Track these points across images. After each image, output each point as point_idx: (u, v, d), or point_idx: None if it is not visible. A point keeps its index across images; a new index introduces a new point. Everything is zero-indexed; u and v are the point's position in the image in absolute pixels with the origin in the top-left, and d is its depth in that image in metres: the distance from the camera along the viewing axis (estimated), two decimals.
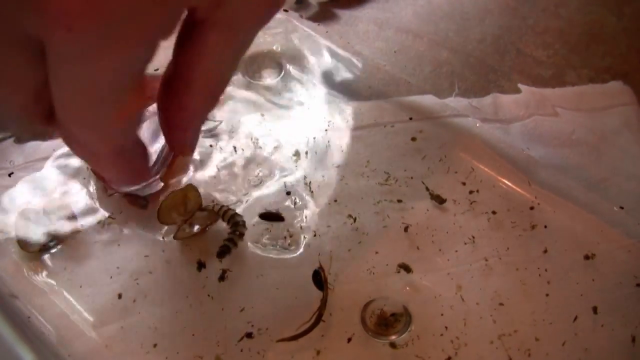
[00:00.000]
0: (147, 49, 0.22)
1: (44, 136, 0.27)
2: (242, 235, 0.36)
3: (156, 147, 0.41)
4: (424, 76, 0.46)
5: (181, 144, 0.28)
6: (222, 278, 0.36)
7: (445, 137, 0.42)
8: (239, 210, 0.38)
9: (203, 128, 0.43)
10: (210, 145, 0.42)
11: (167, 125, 0.27)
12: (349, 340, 0.34)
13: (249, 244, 0.37)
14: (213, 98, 0.27)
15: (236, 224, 0.36)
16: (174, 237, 0.37)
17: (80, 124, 0.24)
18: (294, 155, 0.41)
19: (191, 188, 0.38)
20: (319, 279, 0.34)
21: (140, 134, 0.42)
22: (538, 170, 0.39)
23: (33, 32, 0.21)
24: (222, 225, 0.38)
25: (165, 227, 0.38)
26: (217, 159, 0.41)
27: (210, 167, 0.41)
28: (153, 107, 0.45)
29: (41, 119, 0.25)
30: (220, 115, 0.44)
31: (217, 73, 0.26)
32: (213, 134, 0.43)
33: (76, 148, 0.26)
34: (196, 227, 0.37)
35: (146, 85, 0.43)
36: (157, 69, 0.45)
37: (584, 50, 0.47)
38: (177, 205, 0.38)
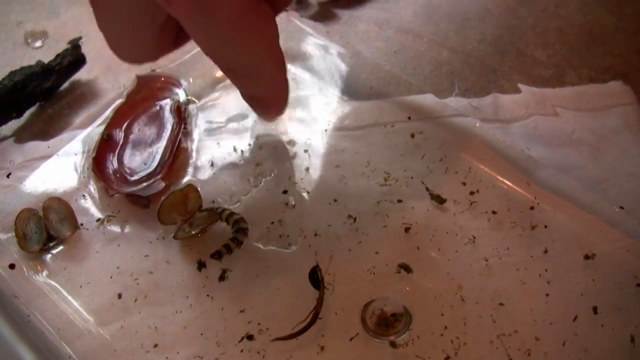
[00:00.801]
0: None
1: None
2: (240, 243, 0.36)
3: (157, 147, 0.41)
4: (424, 76, 0.46)
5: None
6: (222, 278, 0.36)
7: (445, 137, 0.42)
8: (239, 211, 0.38)
9: (203, 127, 0.43)
10: (211, 146, 0.42)
11: None
12: (350, 340, 0.34)
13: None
14: None
15: (239, 230, 0.36)
16: (174, 237, 0.37)
17: (224, 53, 0.27)
18: (294, 155, 0.41)
19: (191, 188, 0.38)
20: (315, 277, 0.34)
21: (141, 135, 0.42)
22: (538, 170, 0.39)
23: None
24: (222, 226, 0.38)
25: (165, 227, 0.38)
26: (217, 159, 0.41)
27: (210, 167, 0.41)
28: (154, 108, 0.45)
29: (168, 44, 0.30)
30: (221, 115, 0.44)
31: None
32: (214, 133, 0.43)
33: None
34: (196, 227, 0.37)
35: (146, 85, 0.45)
36: (154, 70, 0.46)
37: (584, 50, 0.47)
38: (177, 205, 0.38)
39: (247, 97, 0.33)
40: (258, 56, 0.28)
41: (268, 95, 0.32)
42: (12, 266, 0.36)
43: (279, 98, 0.33)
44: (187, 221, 0.37)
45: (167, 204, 0.37)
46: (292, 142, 0.42)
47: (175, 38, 0.30)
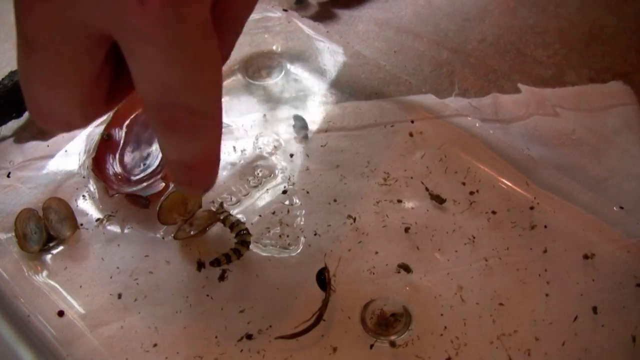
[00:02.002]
0: None
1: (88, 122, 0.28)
2: (241, 255, 0.36)
3: (157, 147, 0.41)
4: (424, 76, 0.46)
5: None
6: (222, 278, 0.36)
7: (445, 137, 0.42)
8: (239, 211, 0.38)
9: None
10: None
11: None
12: (349, 340, 0.34)
13: None
14: None
15: (242, 242, 0.36)
16: (174, 237, 0.37)
17: (180, 86, 0.24)
18: (294, 155, 0.41)
19: None
20: (323, 278, 0.34)
21: (141, 135, 0.42)
22: (538, 170, 0.39)
23: (96, 23, 0.22)
24: (223, 227, 0.38)
25: (165, 227, 0.38)
26: None
27: None
28: None
29: (100, 102, 0.26)
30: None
31: None
32: None
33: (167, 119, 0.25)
34: (196, 228, 0.37)
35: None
36: None
37: (584, 50, 0.47)
38: (177, 206, 0.38)
39: (177, 163, 0.28)
40: (208, 97, 0.25)
41: (201, 160, 0.27)
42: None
43: (210, 167, 0.29)
44: (187, 221, 0.37)
45: (167, 204, 0.37)
46: (291, 142, 0.42)
47: (107, 97, 0.27)
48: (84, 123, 0.27)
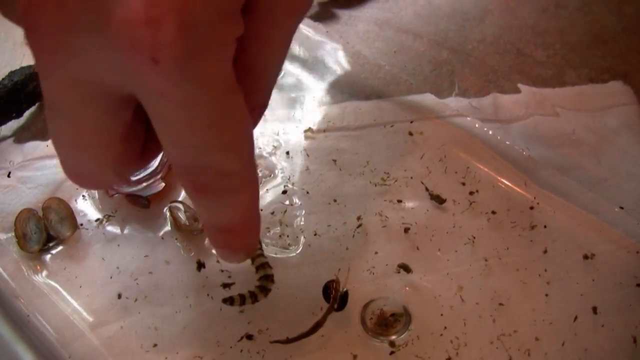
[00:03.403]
0: (231, 43, 0.21)
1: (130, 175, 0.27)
2: (256, 300, 0.33)
3: None
4: (424, 76, 0.46)
5: None
6: (226, 286, 0.36)
7: (445, 137, 0.42)
8: None
9: None
10: None
11: None
12: (349, 340, 0.34)
13: None
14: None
15: (263, 288, 0.33)
16: (176, 227, 0.37)
17: (205, 147, 0.22)
18: (294, 155, 0.41)
19: None
20: (328, 292, 0.34)
21: None
22: (538, 170, 0.39)
23: (116, 84, 0.21)
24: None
25: (166, 227, 0.38)
26: None
27: None
28: None
29: (133, 159, 0.25)
30: None
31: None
32: None
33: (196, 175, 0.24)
34: (197, 225, 0.37)
35: None
36: None
37: (584, 50, 0.47)
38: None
39: (214, 226, 0.27)
40: (236, 157, 0.23)
41: (239, 221, 0.26)
42: (12, 266, 0.35)
43: (251, 228, 0.27)
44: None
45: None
46: (291, 142, 0.42)
47: (142, 151, 0.26)
48: (120, 180, 0.26)
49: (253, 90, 0.25)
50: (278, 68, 0.26)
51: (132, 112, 0.23)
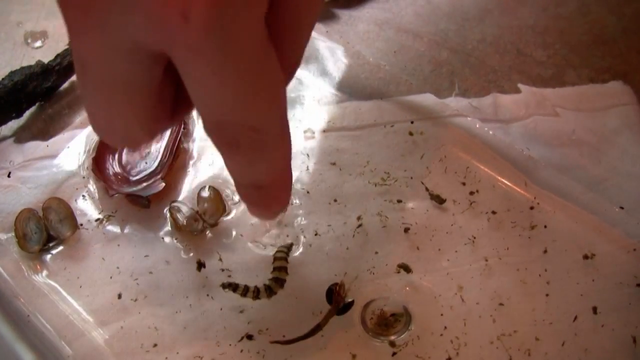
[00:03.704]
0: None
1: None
2: (273, 293, 0.34)
3: (157, 147, 0.41)
4: (424, 76, 0.46)
5: None
6: (225, 286, 0.36)
7: (445, 137, 0.42)
8: (239, 211, 0.38)
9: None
10: (211, 146, 0.42)
11: None
12: (349, 340, 0.34)
13: (249, 244, 0.37)
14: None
15: (276, 279, 0.34)
16: (177, 228, 0.37)
17: (237, 103, 0.22)
18: (294, 155, 0.41)
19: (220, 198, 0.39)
20: (332, 296, 0.34)
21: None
22: (538, 170, 0.39)
23: (147, 41, 0.21)
24: (223, 227, 0.38)
25: (166, 227, 0.38)
26: (217, 159, 0.41)
27: (210, 167, 0.41)
28: None
29: (162, 117, 0.25)
30: None
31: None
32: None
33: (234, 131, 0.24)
34: (197, 226, 0.37)
35: None
36: None
37: (584, 50, 0.47)
38: (217, 204, 0.38)
39: (246, 185, 0.27)
40: (269, 114, 0.23)
41: (272, 177, 0.26)
42: (12, 266, 0.35)
43: (284, 183, 0.27)
44: (201, 219, 0.37)
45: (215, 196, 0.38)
46: (291, 143, 0.42)
47: (172, 110, 0.26)
48: (148, 138, 0.26)
49: (285, 49, 0.24)
50: (310, 26, 0.26)
51: (164, 68, 0.23)
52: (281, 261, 0.35)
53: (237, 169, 0.26)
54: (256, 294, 0.34)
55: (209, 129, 0.24)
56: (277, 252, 0.35)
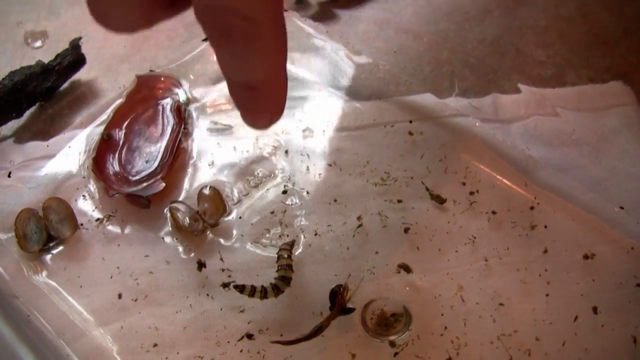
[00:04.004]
0: None
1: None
2: (281, 292, 0.34)
3: (157, 147, 0.41)
4: (424, 76, 0.46)
5: None
6: (225, 286, 0.36)
7: (445, 137, 0.42)
8: (239, 211, 0.38)
9: (203, 127, 0.43)
10: (211, 146, 0.42)
11: None
12: (350, 340, 0.34)
13: (249, 244, 0.37)
14: None
15: (282, 278, 0.34)
16: (176, 227, 0.37)
17: None
18: (294, 155, 0.41)
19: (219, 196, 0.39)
20: (334, 297, 0.34)
21: (141, 135, 0.42)
22: (538, 170, 0.39)
23: None
24: (224, 227, 0.38)
25: (166, 227, 0.38)
26: (217, 159, 0.41)
27: (210, 167, 0.41)
28: (154, 108, 0.45)
29: (163, 5, 0.25)
30: (220, 115, 0.44)
31: None
32: (214, 134, 0.43)
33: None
34: (198, 225, 0.37)
35: (146, 85, 0.42)
36: (154, 70, 0.46)
37: (584, 50, 0.47)
38: (217, 202, 0.38)
39: (239, 83, 0.26)
40: (262, 2, 0.23)
41: (266, 76, 0.26)
42: (12, 266, 0.35)
43: (278, 86, 0.27)
44: (201, 220, 0.37)
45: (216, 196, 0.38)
46: (291, 142, 0.42)
47: (171, 2, 0.26)
48: (145, 25, 0.25)
49: None
50: None
51: None
52: (285, 259, 0.35)
53: (229, 63, 0.25)
54: (264, 294, 0.34)
55: (199, 12, 0.23)
56: (280, 250, 0.35)
